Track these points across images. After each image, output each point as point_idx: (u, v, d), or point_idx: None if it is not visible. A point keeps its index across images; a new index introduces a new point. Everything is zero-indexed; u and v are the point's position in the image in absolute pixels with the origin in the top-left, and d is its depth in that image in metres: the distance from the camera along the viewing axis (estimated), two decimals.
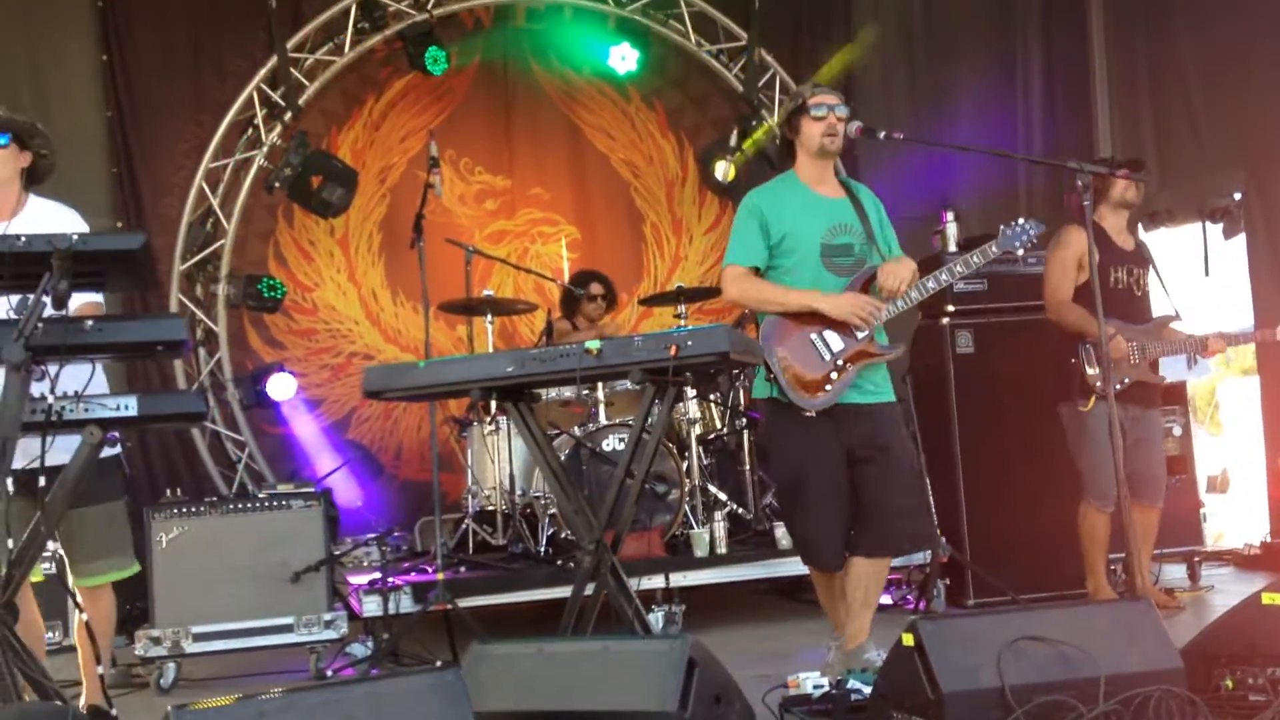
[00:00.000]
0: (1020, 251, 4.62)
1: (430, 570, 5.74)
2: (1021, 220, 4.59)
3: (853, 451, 4.33)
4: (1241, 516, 8.03)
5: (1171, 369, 5.63)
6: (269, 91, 7.71)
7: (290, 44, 7.67)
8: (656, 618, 5.56)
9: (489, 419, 6.55)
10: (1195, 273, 7.68)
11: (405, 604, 5.51)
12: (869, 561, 4.38)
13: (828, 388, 4.29)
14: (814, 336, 4.30)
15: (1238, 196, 7.49)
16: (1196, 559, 6.53)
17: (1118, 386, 5.34)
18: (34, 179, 4.17)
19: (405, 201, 8.04)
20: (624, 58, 8.38)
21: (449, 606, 5.36)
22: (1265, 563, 6.89)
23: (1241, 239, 7.48)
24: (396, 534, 7.28)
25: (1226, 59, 7.52)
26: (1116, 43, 8.62)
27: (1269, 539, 7.08)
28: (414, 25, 7.89)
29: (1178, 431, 6.51)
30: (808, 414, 4.28)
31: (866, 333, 4.33)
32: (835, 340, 4.31)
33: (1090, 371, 5.39)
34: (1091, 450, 5.41)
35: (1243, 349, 12.24)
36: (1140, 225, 8.15)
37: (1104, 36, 8.72)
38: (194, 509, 5.36)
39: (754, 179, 7.09)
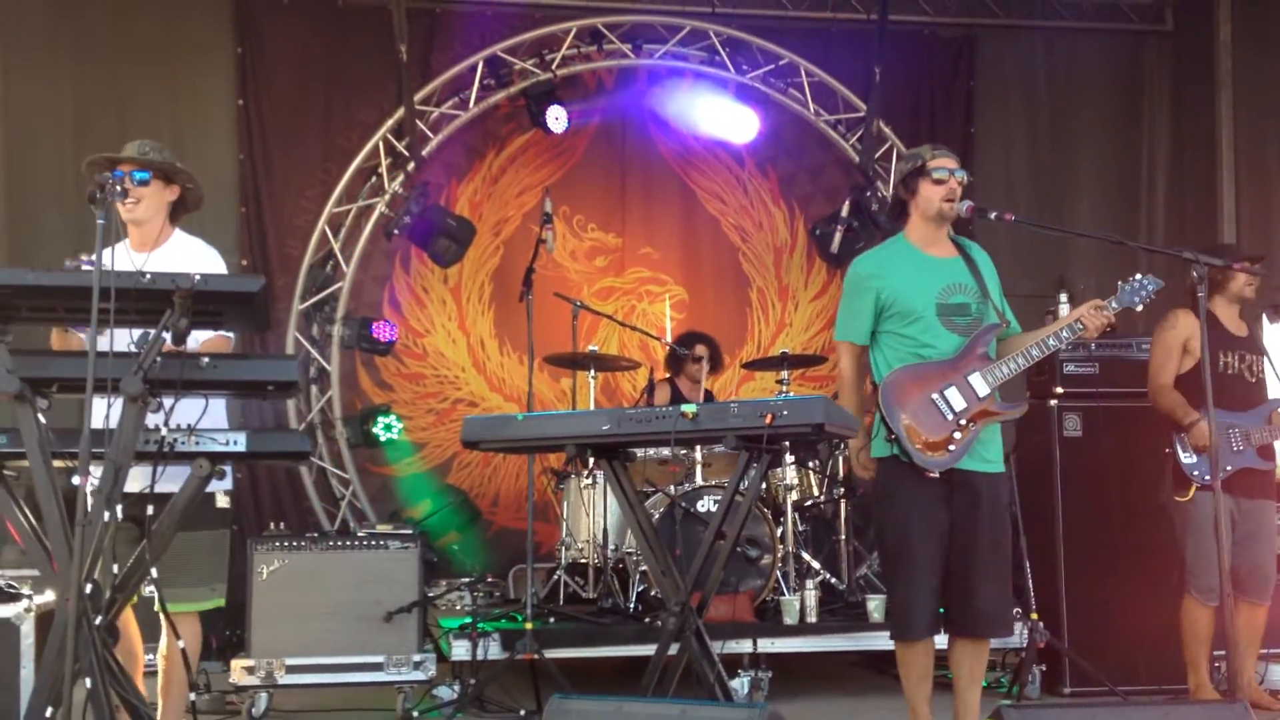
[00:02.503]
0: (1139, 308, 4.50)
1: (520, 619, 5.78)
2: (1139, 276, 4.45)
3: (956, 522, 4.26)
4: None
5: None
6: (394, 142, 7.95)
7: (418, 97, 7.91)
8: (743, 683, 5.52)
9: (586, 473, 6.60)
10: None
11: (494, 651, 5.56)
12: (965, 641, 4.34)
13: (951, 447, 4.22)
14: (935, 396, 4.24)
15: None
16: None
17: (1220, 475, 5.20)
18: (186, 208, 4.30)
19: (518, 254, 8.20)
20: (742, 124, 8.47)
21: (535, 656, 5.40)
22: None
23: None
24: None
25: None
26: (1248, 130, 8.47)
27: None
28: (538, 84, 8.09)
29: None
30: (930, 474, 4.21)
31: (988, 391, 4.28)
32: (957, 399, 4.24)
33: (1185, 460, 5.28)
34: (1196, 542, 5.27)
35: None
36: (1264, 316, 7.95)
37: (1233, 124, 8.58)
38: (295, 543, 5.49)
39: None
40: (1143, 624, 5.70)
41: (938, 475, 4.22)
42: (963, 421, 4.24)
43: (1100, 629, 5.88)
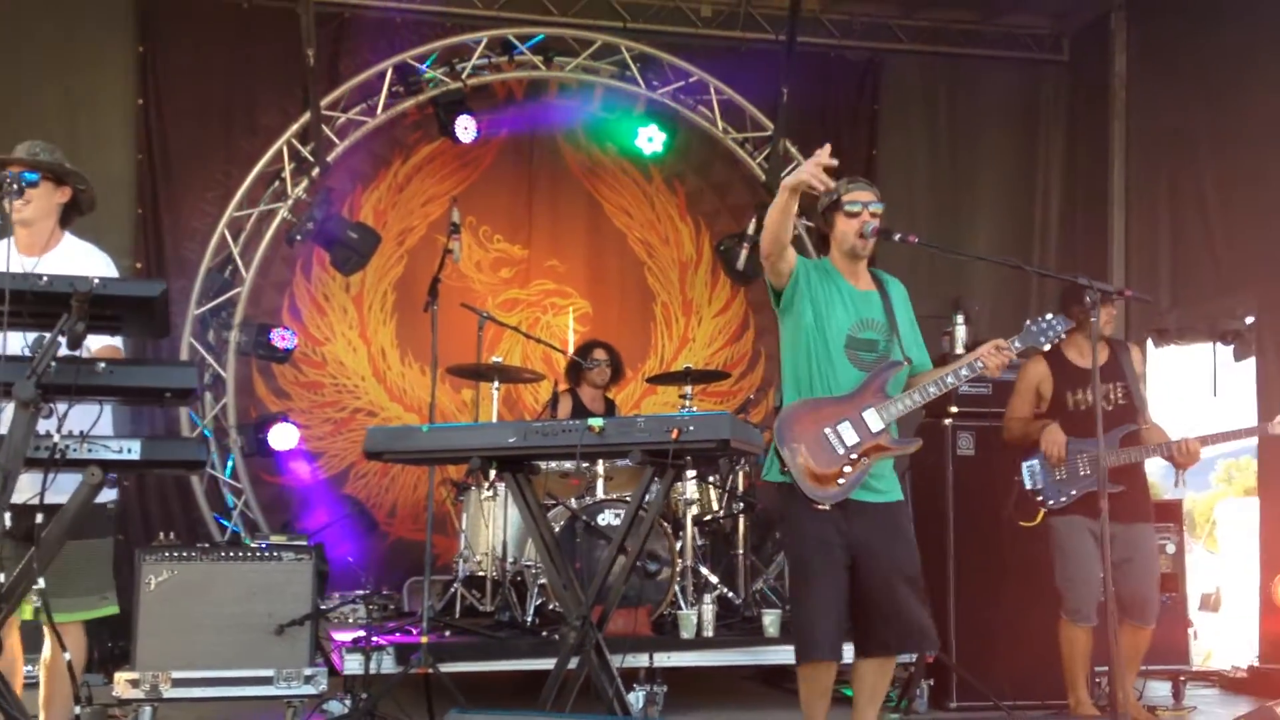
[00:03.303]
0: (1047, 347, 4.60)
1: (414, 632, 5.72)
2: (1049, 316, 4.54)
3: (856, 549, 4.32)
4: (1232, 637, 7.97)
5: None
6: (299, 146, 7.83)
7: (324, 102, 7.80)
8: (638, 697, 5.53)
9: (487, 484, 6.56)
10: (1203, 392, 7.72)
11: (387, 664, 5.49)
12: (872, 661, 4.41)
13: (840, 481, 4.26)
14: (828, 430, 4.28)
15: (1250, 320, 7.53)
16: (1182, 679, 6.48)
17: (1063, 500, 5.38)
18: (78, 212, 4.19)
19: (422, 264, 8.14)
20: (650, 139, 8.52)
21: (430, 670, 5.35)
22: (1250, 687, 6.82)
23: (1251, 362, 7.51)
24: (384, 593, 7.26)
25: (1248, 184, 7.58)
26: (1139, 160, 8.72)
27: (1256, 663, 7.02)
28: (447, 93, 8.04)
29: (1171, 549, 6.49)
30: (819, 506, 4.27)
31: (881, 426, 4.33)
32: (850, 434, 4.29)
33: (1030, 486, 5.49)
34: (1061, 565, 5.46)
35: (1245, 469, 12.27)
36: (1150, 340, 8.21)
37: (1125, 155, 8.83)
38: (185, 553, 5.36)
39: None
40: (1030, 640, 5.82)
41: (828, 507, 4.28)
42: (854, 456, 4.29)
43: (988, 645, 6.02)
